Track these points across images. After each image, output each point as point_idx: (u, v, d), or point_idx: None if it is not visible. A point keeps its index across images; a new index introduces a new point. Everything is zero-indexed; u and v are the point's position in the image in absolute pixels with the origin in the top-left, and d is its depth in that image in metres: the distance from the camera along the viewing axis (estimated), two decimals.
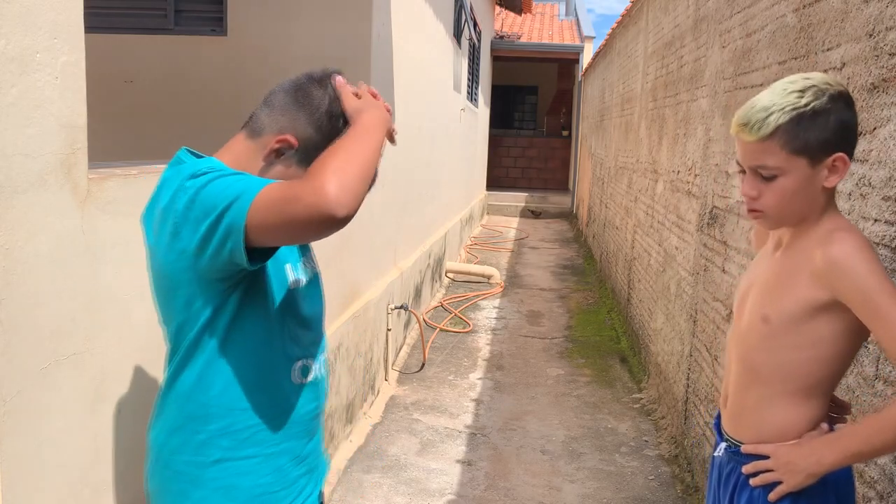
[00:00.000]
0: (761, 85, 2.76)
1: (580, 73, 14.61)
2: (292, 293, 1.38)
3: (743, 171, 1.42)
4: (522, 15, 16.67)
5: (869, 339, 1.50)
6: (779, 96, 1.33)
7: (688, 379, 3.67)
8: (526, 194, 15.65)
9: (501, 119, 18.89)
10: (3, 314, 1.23)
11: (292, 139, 1.31)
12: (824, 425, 1.41)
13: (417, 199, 6.12)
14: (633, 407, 4.51)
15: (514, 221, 14.22)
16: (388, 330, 4.69)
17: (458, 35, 8.55)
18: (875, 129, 1.82)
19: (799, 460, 1.36)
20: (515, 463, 3.68)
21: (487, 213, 14.94)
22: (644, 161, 5.72)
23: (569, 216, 14.81)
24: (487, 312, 6.77)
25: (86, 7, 1.47)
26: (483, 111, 13.21)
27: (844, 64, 2.01)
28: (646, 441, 3.99)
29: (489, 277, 7.93)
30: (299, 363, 1.39)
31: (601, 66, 10.07)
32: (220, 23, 4.44)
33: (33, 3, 1.27)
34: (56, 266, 1.37)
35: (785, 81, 1.36)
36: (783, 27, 2.54)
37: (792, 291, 1.36)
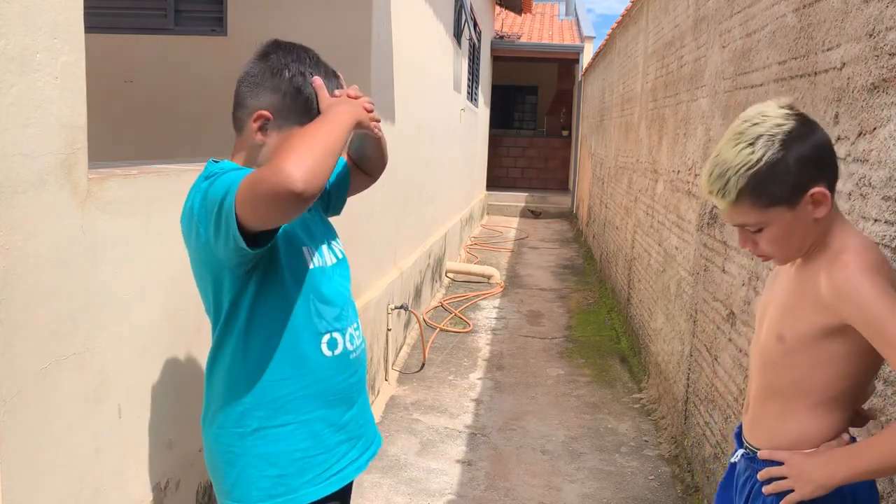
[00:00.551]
0: (761, 85, 2.76)
1: (580, 73, 14.61)
2: (312, 274, 1.53)
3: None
4: (522, 15, 16.67)
5: None
6: (732, 155, 1.31)
7: (688, 379, 3.67)
8: (526, 194, 15.65)
9: (501, 119, 18.89)
10: (3, 314, 1.23)
11: (264, 112, 1.46)
12: (845, 436, 1.40)
13: (417, 198, 6.12)
14: (633, 407, 4.51)
15: (514, 221, 14.22)
16: (388, 330, 4.69)
17: (458, 35, 8.55)
18: (875, 129, 1.82)
19: (812, 470, 1.35)
20: (515, 463, 3.68)
21: (487, 213, 14.94)
22: (644, 161, 5.72)
23: (569, 216, 14.81)
24: (487, 312, 6.77)
25: (86, 7, 1.47)
26: (483, 111, 13.21)
27: (844, 64, 2.01)
28: (646, 441, 3.99)
29: (489, 277, 7.93)
30: (326, 336, 1.53)
31: (601, 66, 10.07)
32: (220, 23, 4.44)
33: (33, 3, 1.27)
34: (56, 266, 1.37)
35: (735, 130, 1.34)
36: (783, 27, 2.54)
37: (804, 314, 1.35)
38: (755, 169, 1.29)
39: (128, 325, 1.67)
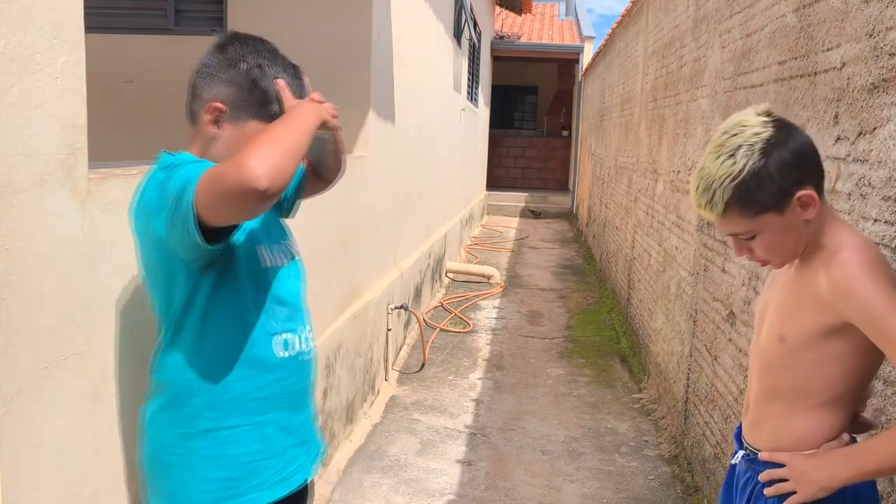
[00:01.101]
0: (761, 85, 2.76)
1: (580, 74, 14.60)
2: (267, 273, 1.50)
3: None
4: (522, 15, 16.66)
5: None
6: (714, 168, 1.33)
7: (688, 379, 3.67)
8: (526, 194, 15.65)
9: (501, 119, 18.88)
10: (3, 314, 1.23)
11: (218, 104, 1.44)
12: (845, 436, 1.40)
13: (417, 199, 6.12)
14: (633, 407, 4.51)
15: (514, 221, 14.22)
16: (389, 330, 4.69)
17: (458, 35, 8.55)
18: (875, 129, 1.82)
19: (813, 472, 1.35)
20: (515, 463, 3.68)
21: (487, 213, 14.94)
22: (644, 161, 5.72)
23: (569, 216, 14.81)
24: (487, 312, 6.77)
25: (86, 7, 1.47)
26: (483, 111, 13.21)
27: (844, 64, 2.01)
28: (646, 441, 3.99)
29: (489, 277, 7.93)
30: (280, 338, 1.51)
31: (601, 67, 10.07)
32: (220, 23, 4.44)
33: (33, 3, 1.27)
34: (56, 266, 1.37)
35: (716, 143, 1.35)
36: (783, 27, 2.54)
37: (804, 315, 1.36)
38: (739, 179, 1.31)
39: (128, 325, 1.67)
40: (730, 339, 2.98)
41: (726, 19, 3.36)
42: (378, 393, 4.49)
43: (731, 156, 1.31)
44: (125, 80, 4.57)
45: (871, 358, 1.34)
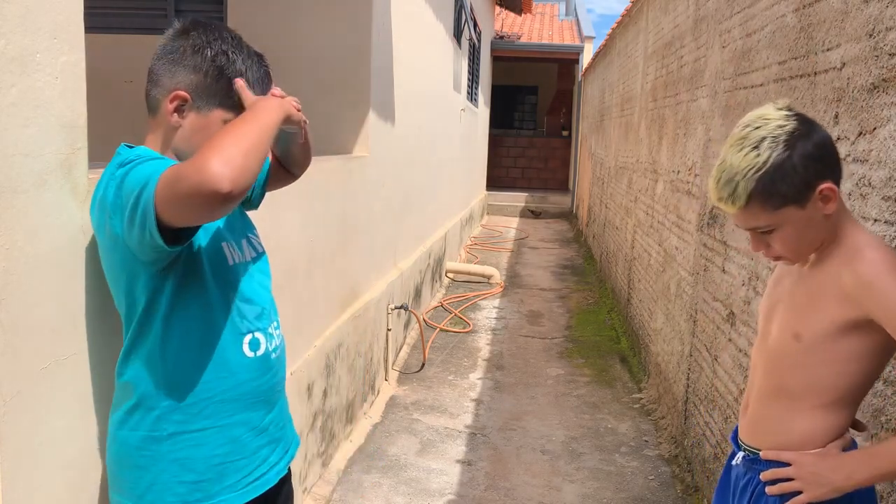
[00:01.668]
0: (761, 85, 2.76)
1: (580, 74, 14.61)
2: (232, 270, 1.46)
3: None
4: (522, 15, 16.66)
5: None
6: (737, 159, 1.32)
7: (688, 379, 3.67)
8: (526, 194, 15.65)
9: (501, 119, 18.89)
10: (3, 314, 1.23)
11: (182, 93, 1.38)
12: (847, 435, 1.40)
13: (417, 199, 6.12)
14: (633, 407, 4.51)
15: (514, 221, 14.22)
16: (388, 330, 4.69)
17: (458, 35, 8.55)
18: (875, 129, 1.82)
19: (827, 473, 1.34)
20: (515, 463, 3.68)
21: (487, 213, 14.94)
22: (644, 161, 5.72)
23: (569, 216, 14.81)
24: (487, 312, 6.77)
25: (86, 7, 1.47)
26: (483, 111, 13.21)
27: (844, 64, 2.01)
28: (646, 441, 3.99)
29: (489, 277, 7.93)
30: (248, 337, 1.46)
31: (601, 67, 10.07)
32: (220, 23, 4.44)
33: (33, 3, 1.27)
34: (56, 266, 1.37)
35: (738, 136, 1.35)
36: (783, 27, 2.54)
37: (822, 311, 1.35)
38: (763, 171, 1.30)
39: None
40: (730, 339, 2.98)
41: (726, 19, 3.36)
42: (378, 393, 4.49)
43: (755, 148, 1.31)
44: (125, 80, 4.57)
45: (883, 358, 1.35)
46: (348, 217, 3.86)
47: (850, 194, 1.94)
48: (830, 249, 1.38)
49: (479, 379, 4.91)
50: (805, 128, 1.33)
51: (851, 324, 1.31)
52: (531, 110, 19.70)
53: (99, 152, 1.79)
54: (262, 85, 1.47)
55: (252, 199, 1.73)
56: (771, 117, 1.33)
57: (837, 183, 1.34)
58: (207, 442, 1.41)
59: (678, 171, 4.31)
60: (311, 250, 3.23)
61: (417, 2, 5.59)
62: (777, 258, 1.43)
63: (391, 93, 4.78)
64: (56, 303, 1.37)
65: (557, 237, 12.26)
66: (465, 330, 6.06)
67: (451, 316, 6.45)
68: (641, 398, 4.62)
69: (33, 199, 1.30)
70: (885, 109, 1.77)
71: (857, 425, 1.47)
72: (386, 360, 4.71)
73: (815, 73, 2.22)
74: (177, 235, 1.25)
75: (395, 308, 4.84)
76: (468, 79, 10.15)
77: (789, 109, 1.35)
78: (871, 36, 1.85)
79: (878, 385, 1.73)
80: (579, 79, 14.66)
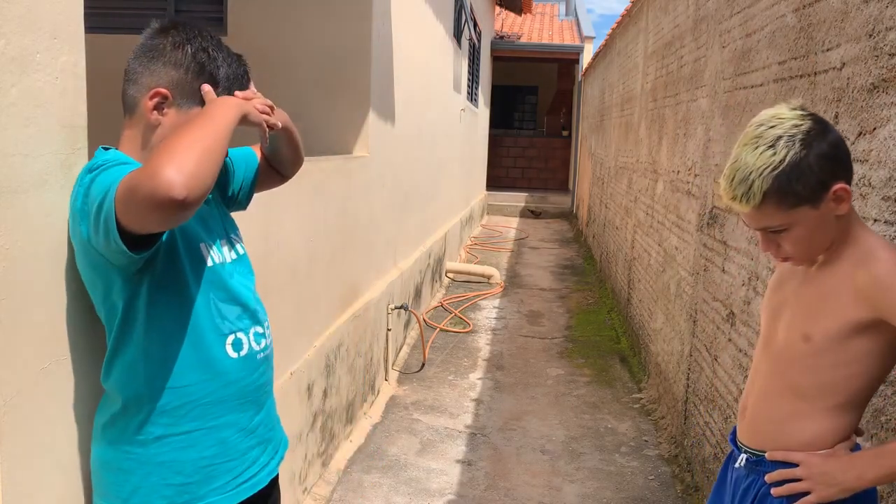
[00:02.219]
0: (761, 85, 2.76)
1: (580, 74, 14.61)
2: (212, 271, 1.43)
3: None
4: (522, 15, 16.67)
5: None
6: (752, 158, 1.31)
7: (688, 379, 3.67)
8: (526, 194, 15.65)
9: (501, 119, 18.89)
10: (3, 314, 1.23)
11: (162, 90, 1.36)
12: (854, 437, 1.40)
13: (417, 199, 6.12)
14: (633, 407, 4.51)
15: (514, 221, 14.22)
16: (388, 330, 4.69)
17: (458, 35, 8.55)
18: (875, 129, 1.82)
19: (837, 473, 1.34)
20: (515, 463, 3.68)
21: (487, 213, 14.95)
22: (644, 161, 5.72)
23: (569, 216, 14.81)
24: (487, 312, 6.77)
25: (86, 7, 1.47)
26: (483, 111, 13.21)
27: (844, 64, 2.01)
28: (646, 441, 3.99)
29: (489, 277, 7.93)
30: (230, 337, 1.44)
31: (601, 67, 10.07)
32: (220, 23, 4.44)
33: (33, 4, 1.27)
34: (56, 266, 1.37)
35: (752, 135, 1.34)
36: (783, 27, 2.54)
37: (834, 311, 1.34)
38: (779, 170, 1.29)
39: None
40: (730, 339, 2.98)
41: (726, 19, 3.36)
42: (378, 393, 4.49)
43: (771, 146, 1.30)
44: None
45: (891, 360, 1.34)
46: (348, 217, 3.86)
47: None
48: (840, 250, 1.37)
49: (479, 379, 4.91)
50: (820, 127, 1.32)
51: (861, 324, 1.31)
52: (531, 110, 19.71)
53: None
54: (241, 83, 1.46)
55: (240, 200, 1.70)
56: (786, 116, 1.33)
57: (849, 183, 1.34)
58: (195, 444, 1.39)
59: (678, 171, 4.31)
60: (311, 250, 3.23)
61: (417, 2, 5.59)
62: (786, 259, 1.42)
63: (391, 93, 4.78)
64: (56, 303, 1.37)
65: (557, 237, 12.26)
66: (465, 330, 6.07)
67: (451, 316, 6.45)
68: (641, 398, 4.62)
69: (33, 199, 1.30)
70: (885, 109, 1.77)
71: (855, 430, 1.47)
72: (386, 360, 4.71)
73: (815, 74, 2.22)
74: (142, 241, 1.24)
75: (395, 308, 4.84)
76: (468, 79, 10.15)
77: (803, 109, 1.35)
78: (871, 36, 1.85)
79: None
80: (579, 79, 14.66)
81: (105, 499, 1.40)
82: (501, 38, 15.11)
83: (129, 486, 1.37)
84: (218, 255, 1.46)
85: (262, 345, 1.53)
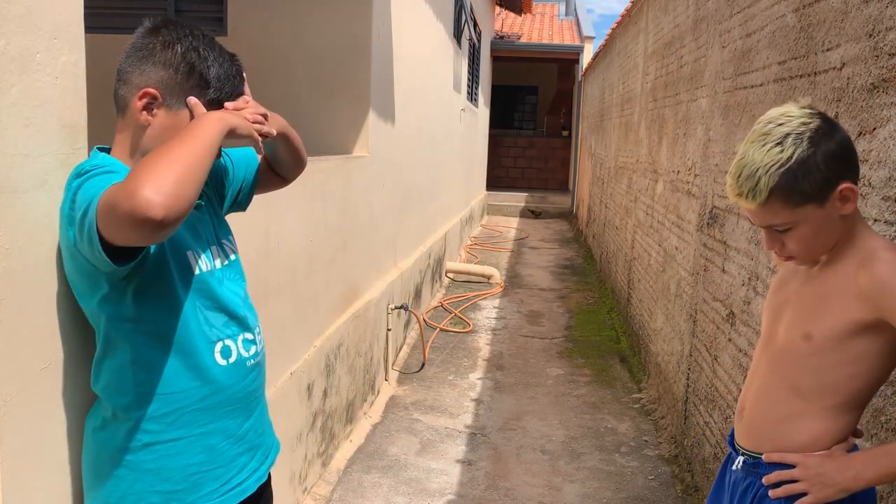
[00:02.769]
0: (761, 85, 2.76)
1: (580, 74, 14.61)
2: (199, 279, 1.42)
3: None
4: (522, 15, 16.67)
5: None
6: (760, 155, 1.31)
7: (688, 379, 3.67)
8: (526, 194, 15.65)
9: (501, 119, 18.89)
10: (3, 314, 1.23)
11: (151, 90, 1.34)
12: (852, 439, 1.39)
13: (417, 199, 6.12)
14: (633, 407, 4.51)
15: (514, 221, 14.22)
16: (388, 330, 4.69)
17: (458, 35, 8.55)
18: (875, 129, 1.82)
19: (834, 473, 1.34)
20: (515, 463, 3.68)
21: (487, 213, 14.95)
22: (644, 161, 5.72)
23: (569, 216, 14.81)
24: (487, 312, 6.77)
25: (86, 7, 1.47)
26: (483, 111, 13.21)
27: (844, 64, 2.01)
28: (646, 441, 3.99)
29: (489, 277, 7.93)
30: (218, 345, 1.43)
31: (601, 67, 10.07)
32: (220, 22, 4.44)
33: (33, 3, 1.27)
34: (57, 266, 1.37)
35: (760, 132, 1.33)
36: (783, 27, 2.54)
37: (835, 311, 1.34)
38: (786, 167, 1.29)
39: None
40: (730, 339, 2.98)
41: (726, 19, 3.36)
42: (378, 393, 4.49)
43: (779, 144, 1.30)
44: None
45: (891, 360, 1.34)
46: (348, 217, 3.86)
47: None
48: (843, 250, 1.37)
49: (479, 379, 4.91)
50: (828, 126, 1.32)
51: (862, 325, 1.31)
52: (531, 110, 19.70)
53: None
54: (234, 83, 1.43)
55: (239, 201, 1.69)
56: (794, 115, 1.33)
57: (856, 183, 1.34)
58: (183, 451, 1.38)
59: (678, 171, 4.31)
60: (311, 250, 3.23)
61: (417, 2, 5.59)
62: (789, 258, 1.41)
63: (391, 93, 4.78)
64: (56, 303, 1.37)
65: (557, 237, 12.26)
66: (465, 330, 6.07)
67: (451, 316, 6.45)
68: (641, 398, 4.62)
69: (33, 199, 1.30)
70: (885, 109, 1.77)
71: (854, 431, 1.47)
72: (386, 360, 4.71)
73: (815, 73, 2.22)
74: (126, 252, 1.23)
75: (396, 308, 4.84)
76: (468, 79, 10.15)
77: (812, 108, 1.35)
78: (871, 36, 1.85)
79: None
80: (579, 79, 14.66)
81: (95, 502, 1.40)
82: (501, 38, 15.11)
83: (119, 491, 1.37)
84: (206, 262, 1.45)
85: (252, 351, 1.51)
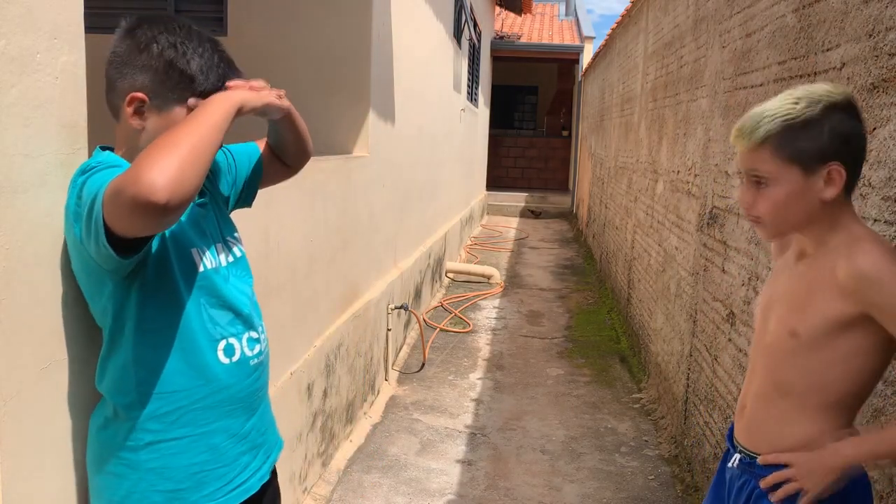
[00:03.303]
0: (761, 85, 2.76)
1: (580, 74, 14.61)
2: (203, 277, 1.41)
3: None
4: (522, 15, 16.67)
5: None
6: (774, 104, 1.34)
7: (687, 379, 3.67)
8: (526, 194, 15.65)
9: (501, 119, 18.89)
10: (3, 314, 1.23)
11: (138, 95, 1.33)
12: (845, 434, 1.38)
13: (417, 199, 6.12)
14: (633, 407, 4.51)
15: (514, 221, 14.22)
16: (388, 330, 4.69)
17: (458, 35, 8.55)
18: (875, 129, 1.82)
19: (819, 459, 1.34)
20: (515, 463, 3.68)
21: (487, 213, 14.95)
22: (644, 161, 5.72)
23: (569, 216, 14.81)
24: (487, 312, 6.77)
25: (86, 7, 1.47)
26: (483, 111, 13.21)
27: (844, 64, 2.01)
28: (646, 441, 3.99)
29: (489, 277, 7.93)
30: (222, 343, 1.43)
31: (601, 67, 10.07)
32: (220, 23, 4.44)
33: (33, 4, 1.27)
34: (56, 266, 1.37)
35: (789, 91, 1.36)
36: (783, 27, 2.54)
37: (818, 306, 1.33)
38: (791, 121, 1.31)
39: None
40: (730, 339, 2.98)
41: (726, 19, 3.36)
42: (378, 393, 4.49)
43: (797, 100, 1.33)
44: None
45: (882, 358, 1.32)
46: (348, 217, 3.86)
47: None
48: (828, 242, 1.35)
49: (479, 379, 4.91)
50: (850, 108, 1.33)
51: (846, 320, 1.29)
52: (531, 110, 19.70)
53: None
54: (219, 71, 1.39)
55: (244, 197, 1.68)
56: (828, 87, 1.34)
57: (851, 175, 1.33)
58: (186, 450, 1.38)
59: (678, 171, 4.32)
60: (310, 250, 3.23)
61: (417, 2, 5.59)
62: (756, 220, 1.40)
63: (391, 93, 4.78)
64: (56, 303, 1.37)
65: (557, 237, 12.26)
66: (465, 330, 6.07)
67: (451, 316, 6.45)
68: (641, 398, 4.62)
69: (33, 198, 1.30)
70: (885, 109, 1.77)
71: (850, 432, 1.47)
72: (386, 360, 4.71)
73: (815, 74, 2.22)
74: (131, 245, 1.22)
75: (396, 308, 4.84)
76: (468, 79, 10.15)
77: (847, 92, 1.36)
78: (871, 36, 1.85)
79: (878, 385, 1.72)
80: (579, 79, 14.66)
81: (100, 500, 1.41)
82: (501, 38, 15.11)
83: (122, 490, 1.37)
84: (211, 259, 1.44)
85: (256, 350, 1.50)
